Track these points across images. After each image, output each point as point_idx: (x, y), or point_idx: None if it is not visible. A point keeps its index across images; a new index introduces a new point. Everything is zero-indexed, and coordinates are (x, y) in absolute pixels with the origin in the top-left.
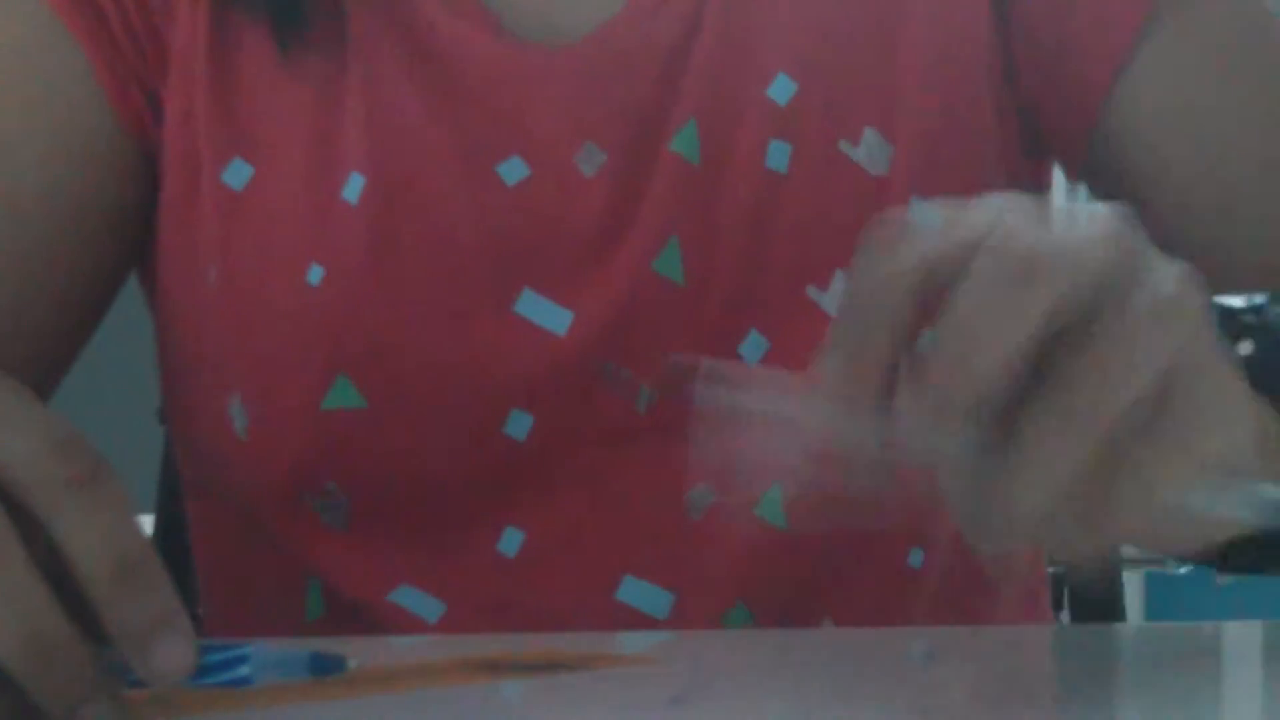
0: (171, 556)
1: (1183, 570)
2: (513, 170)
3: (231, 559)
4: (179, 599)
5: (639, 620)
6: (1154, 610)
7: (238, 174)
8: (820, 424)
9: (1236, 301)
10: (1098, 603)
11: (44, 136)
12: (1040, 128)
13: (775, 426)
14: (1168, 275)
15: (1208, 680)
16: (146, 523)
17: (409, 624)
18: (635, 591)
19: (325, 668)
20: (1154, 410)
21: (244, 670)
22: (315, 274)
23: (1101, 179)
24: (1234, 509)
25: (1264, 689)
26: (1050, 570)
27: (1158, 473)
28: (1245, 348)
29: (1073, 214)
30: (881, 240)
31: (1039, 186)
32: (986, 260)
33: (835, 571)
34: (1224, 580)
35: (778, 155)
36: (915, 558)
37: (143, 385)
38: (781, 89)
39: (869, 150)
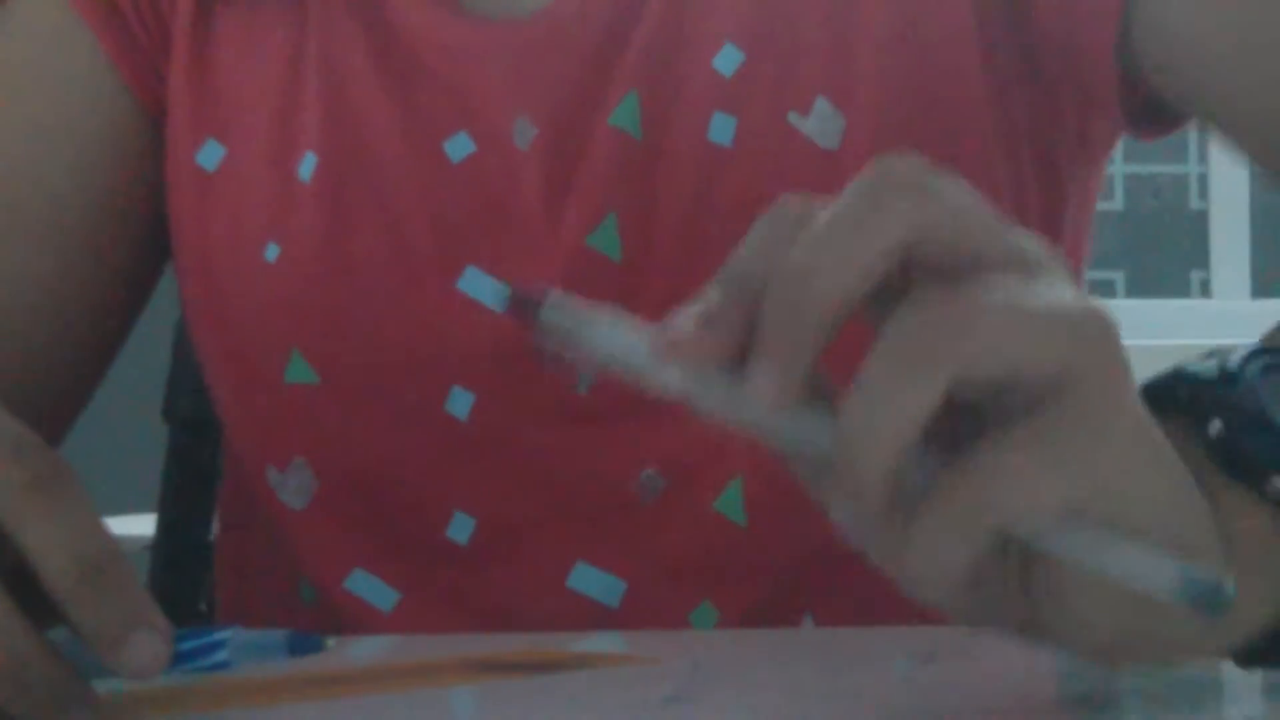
0: (173, 556)
1: None
2: (458, 147)
3: (243, 547)
4: (148, 595)
5: (591, 609)
6: None
7: (211, 155)
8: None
9: (1208, 372)
10: None
11: (72, 121)
12: (1058, 74)
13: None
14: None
15: (1208, 680)
16: (147, 522)
17: (365, 613)
18: (587, 579)
19: (303, 647)
20: (1048, 411)
21: (222, 655)
22: (272, 252)
23: (1144, 113)
24: (1148, 580)
25: (1264, 689)
26: None
27: (1038, 482)
28: (1215, 427)
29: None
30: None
31: (1040, 167)
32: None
33: (813, 568)
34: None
35: (721, 128)
36: None
37: (145, 385)
38: (728, 59)
39: (820, 122)
